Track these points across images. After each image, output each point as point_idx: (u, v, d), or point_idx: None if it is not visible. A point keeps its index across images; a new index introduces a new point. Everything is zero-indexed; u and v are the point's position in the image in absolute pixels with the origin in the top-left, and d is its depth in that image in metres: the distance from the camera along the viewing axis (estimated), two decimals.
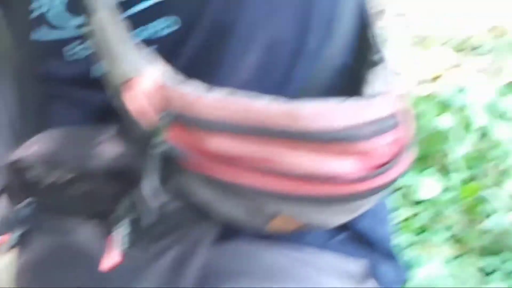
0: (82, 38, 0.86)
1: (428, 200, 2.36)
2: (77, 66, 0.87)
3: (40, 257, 0.97)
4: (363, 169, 0.80)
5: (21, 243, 0.99)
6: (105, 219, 0.89)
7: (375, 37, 0.89)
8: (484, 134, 2.57)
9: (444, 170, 2.46)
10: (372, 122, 0.80)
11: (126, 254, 0.86)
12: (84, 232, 0.93)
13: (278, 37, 0.86)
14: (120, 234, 0.86)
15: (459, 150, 2.49)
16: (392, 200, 1.02)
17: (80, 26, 0.85)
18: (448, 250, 2.18)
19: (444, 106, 2.72)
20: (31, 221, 0.97)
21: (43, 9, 0.87)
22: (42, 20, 0.88)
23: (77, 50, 0.87)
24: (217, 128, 0.79)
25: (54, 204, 0.95)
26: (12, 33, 0.92)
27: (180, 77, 0.80)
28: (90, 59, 0.84)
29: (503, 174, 2.41)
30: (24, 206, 0.96)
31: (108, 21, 0.81)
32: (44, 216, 0.96)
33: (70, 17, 0.86)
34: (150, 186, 0.81)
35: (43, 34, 0.88)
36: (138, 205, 0.84)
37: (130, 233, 0.86)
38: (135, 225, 0.86)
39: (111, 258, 0.86)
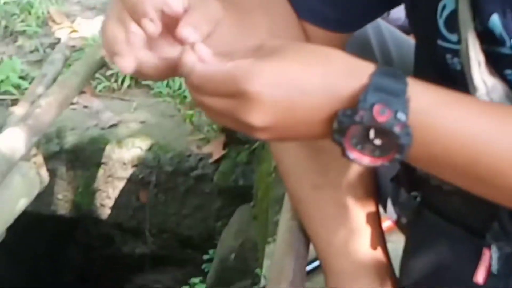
0: (455, 52, 0.94)
1: None
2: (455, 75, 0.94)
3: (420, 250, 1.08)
4: None
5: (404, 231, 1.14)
6: (475, 235, 0.99)
7: None
8: None
9: None
10: None
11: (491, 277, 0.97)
12: (453, 242, 1.03)
13: None
14: (493, 254, 0.96)
15: None
16: None
17: (456, 42, 0.93)
18: None
19: None
20: (415, 213, 1.08)
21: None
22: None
23: (453, 62, 0.95)
24: None
25: (436, 204, 1.05)
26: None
27: None
28: (463, 74, 0.91)
29: None
30: (411, 197, 1.07)
31: (471, 47, 0.88)
32: (426, 212, 1.07)
33: (448, 32, 0.95)
34: None
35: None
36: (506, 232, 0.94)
37: (500, 257, 0.96)
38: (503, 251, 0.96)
39: (482, 274, 0.97)
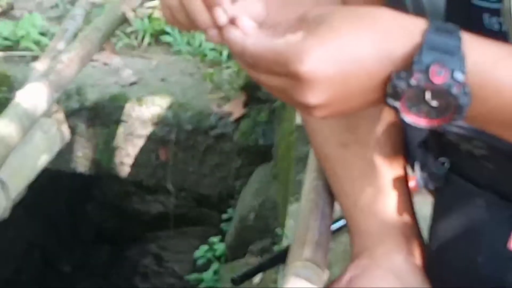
0: (494, 11, 0.90)
1: None
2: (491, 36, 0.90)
3: (449, 215, 1.06)
4: None
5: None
6: (509, 201, 0.97)
7: None
8: None
9: None
10: None
11: None
12: (485, 207, 1.00)
13: None
14: None
15: None
16: None
17: (495, 1, 0.89)
18: None
19: None
20: (443, 179, 1.06)
21: None
22: None
23: (491, 21, 0.91)
24: None
25: (466, 170, 1.03)
26: None
27: None
28: (503, 33, 0.87)
29: None
30: (440, 163, 1.06)
31: None
32: (455, 178, 1.05)
33: None
34: None
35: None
36: None
37: None
38: None
39: None
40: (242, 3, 0.85)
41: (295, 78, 0.77)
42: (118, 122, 3.36)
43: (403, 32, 0.78)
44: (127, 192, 3.90)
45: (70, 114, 3.25)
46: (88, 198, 4.14)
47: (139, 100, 3.33)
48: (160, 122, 3.32)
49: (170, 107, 3.32)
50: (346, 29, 0.78)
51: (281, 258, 1.45)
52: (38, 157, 2.21)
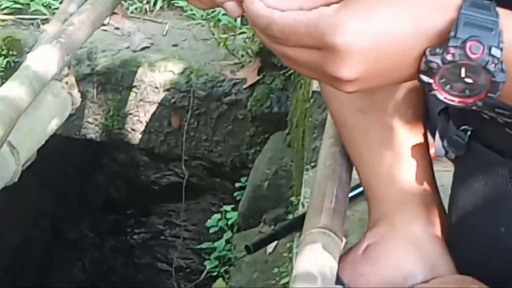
0: None
1: None
2: None
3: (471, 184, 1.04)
4: None
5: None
6: None
7: None
8: None
9: None
10: None
11: None
12: (509, 177, 0.98)
13: None
14: None
15: None
16: None
17: None
18: None
19: None
20: (465, 148, 1.04)
21: None
22: None
23: None
24: None
25: (489, 138, 1.01)
26: None
27: None
28: None
29: None
30: (461, 131, 1.04)
31: None
32: (477, 146, 1.02)
33: None
34: None
35: None
36: None
37: None
38: None
39: None
40: None
41: (330, 50, 0.75)
42: (129, 88, 3.32)
43: (439, 7, 0.76)
44: (138, 160, 3.89)
45: (80, 79, 3.23)
46: (98, 166, 4.12)
47: (151, 66, 3.29)
48: (173, 88, 3.28)
49: (182, 73, 3.28)
50: (383, 3, 0.76)
51: (297, 225, 1.42)
52: (48, 121, 2.18)
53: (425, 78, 0.76)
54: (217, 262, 3.11)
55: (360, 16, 0.75)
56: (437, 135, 1.11)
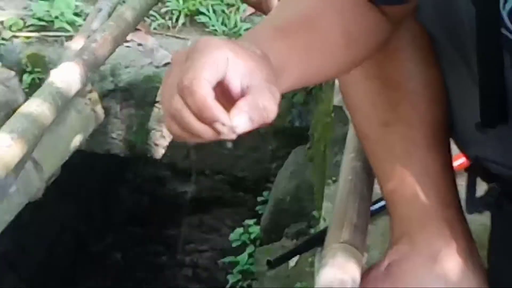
0: None
1: None
2: None
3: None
4: None
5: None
6: None
7: None
8: None
9: None
10: None
11: None
12: None
13: None
14: None
15: None
16: None
17: None
18: None
19: None
20: (494, 206, 1.05)
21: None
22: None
23: None
24: None
25: None
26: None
27: None
28: None
29: None
30: (488, 191, 1.05)
31: None
32: (505, 202, 1.03)
33: None
34: None
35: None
36: None
37: None
38: None
39: None
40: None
41: None
42: (152, 103, 3.34)
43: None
44: (161, 174, 3.89)
45: (104, 95, 3.24)
46: (122, 181, 4.13)
47: None
48: None
49: None
50: None
51: (318, 240, 1.42)
52: (72, 137, 2.19)
53: None
54: (239, 276, 3.11)
55: None
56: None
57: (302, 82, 1.02)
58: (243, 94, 0.84)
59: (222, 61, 0.83)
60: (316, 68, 1.00)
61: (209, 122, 0.82)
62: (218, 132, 0.83)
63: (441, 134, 1.10)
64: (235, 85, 0.84)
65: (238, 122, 0.82)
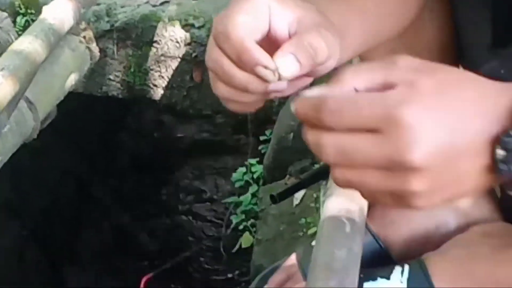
0: None
1: None
2: None
3: None
4: None
5: None
6: None
7: None
8: None
9: None
10: None
11: None
12: None
13: None
14: None
15: None
16: None
17: None
18: None
19: None
20: None
21: None
22: None
23: None
24: None
25: None
26: None
27: None
28: None
29: None
30: None
31: None
32: None
33: None
34: None
35: None
36: None
37: None
38: None
39: None
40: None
41: (396, 126, 0.63)
42: (150, 43, 3.27)
43: (501, 92, 0.67)
44: (161, 117, 3.84)
45: (100, 36, 3.18)
46: (123, 124, 4.09)
47: (171, 20, 3.23)
48: (194, 42, 3.23)
49: (203, 26, 3.22)
50: (457, 101, 0.65)
51: (323, 174, 1.37)
52: (66, 76, 2.14)
53: (504, 168, 0.64)
54: (243, 216, 3.07)
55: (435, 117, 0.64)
56: None
57: (363, 45, 0.95)
58: None
59: (262, 7, 0.77)
60: (374, 29, 0.94)
61: (251, 67, 0.75)
62: (263, 80, 0.76)
63: (449, 60, 1.05)
64: (281, 33, 0.77)
65: (282, 63, 0.75)
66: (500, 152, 0.64)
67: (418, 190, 0.64)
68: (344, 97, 0.66)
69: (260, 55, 0.75)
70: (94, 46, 2.28)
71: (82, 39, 2.21)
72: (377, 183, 0.65)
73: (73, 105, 2.41)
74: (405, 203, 0.66)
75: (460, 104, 0.65)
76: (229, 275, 3.63)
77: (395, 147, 0.63)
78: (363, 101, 0.64)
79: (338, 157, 0.66)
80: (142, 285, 3.47)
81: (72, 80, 2.16)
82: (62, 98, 2.11)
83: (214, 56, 0.77)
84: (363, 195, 0.70)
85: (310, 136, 0.68)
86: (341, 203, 0.99)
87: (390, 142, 0.63)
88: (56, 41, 1.87)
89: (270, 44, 0.79)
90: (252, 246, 2.69)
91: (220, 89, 0.80)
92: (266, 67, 0.76)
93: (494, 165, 0.65)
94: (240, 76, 0.77)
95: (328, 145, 0.66)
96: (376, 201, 0.70)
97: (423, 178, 0.64)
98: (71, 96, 2.26)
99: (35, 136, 1.89)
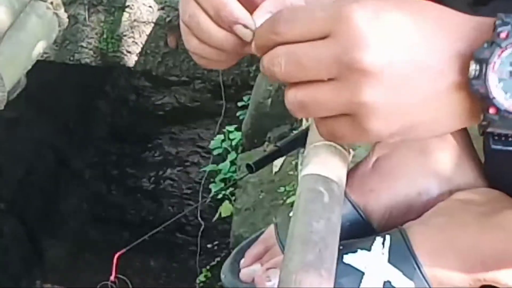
0: None
1: None
2: None
3: None
4: None
5: None
6: None
7: None
8: None
9: None
10: None
11: None
12: None
13: None
14: None
15: None
16: None
17: None
18: None
19: None
20: None
21: None
22: None
23: None
24: None
25: None
26: None
27: None
28: None
29: None
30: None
31: None
32: None
33: None
34: None
35: None
36: None
37: None
38: None
39: None
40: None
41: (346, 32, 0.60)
42: (122, 8, 3.20)
43: (465, 18, 0.63)
44: (137, 85, 3.79)
45: (71, 2, 3.11)
46: (98, 93, 4.04)
47: None
48: (167, 6, 3.16)
49: None
50: (418, 16, 0.62)
51: (301, 140, 1.32)
52: (34, 44, 2.06)
53: (476, 84, 0.61)
54: (222, 185, 3.03)
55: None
56: None
57: None
58: None
59: None
60: None
61: (229, 25, 0.70)
62: (241, 39, 0.71)
63: None
64: None
65: (261, 23, 0.70)
66: (473, 69, 0.60)
67: (371, 100, 0.61)
68: (299, 7, 0.66)
69: (240, 12, 0.70)
70: (62, 12, 2.21)
71: (50, 5, 2.14)
72: (329, 99, 0.62)
73: (45, 74, 2.35)
74: (361, 127, 0.63)
75: (421, 19, 0.62)
76: (209, 246, 3.60)
77: (344, 45, 0.60)
78: (317, 6, 0.63)
79: (289, 66, 0.64)
80: (115, 261, 3.43)
81: (40, 48, 2.09)
82: (29, 67, 2.04)
83: (190, 10, 0.72)
84: (319, 128, 0.68)
85: (266, 57, 0.66)
86: (318, 171, 0.95)
87: (340, 41, 0.60)
88: (21, 7, 1.80)
89: (249, 1, 0.74)
90: (231, 215, 2.65)
91: (193, 45, 0.74)
92: (245, 26, 0.70)
93: (464, 83, 0.61)
94: (217, 33, 0.72)
95: (280, 54, 0.64)
96: (333, 134, 0.68)
97: (375, 86, 0.60)
98: (43, 65, 2.21)
99: (2, 107, 1.83)
